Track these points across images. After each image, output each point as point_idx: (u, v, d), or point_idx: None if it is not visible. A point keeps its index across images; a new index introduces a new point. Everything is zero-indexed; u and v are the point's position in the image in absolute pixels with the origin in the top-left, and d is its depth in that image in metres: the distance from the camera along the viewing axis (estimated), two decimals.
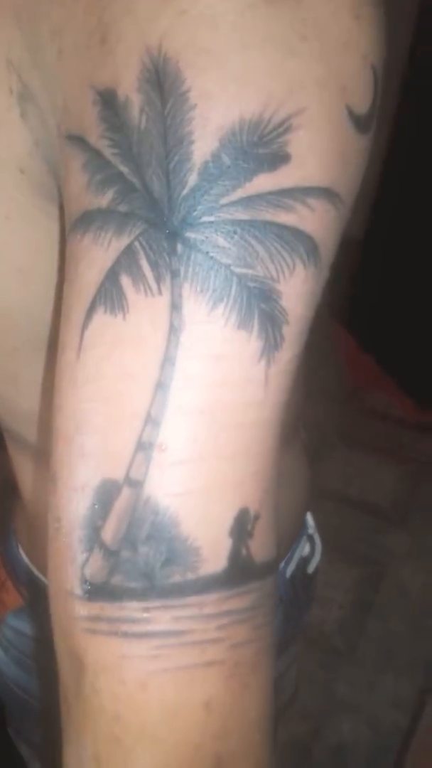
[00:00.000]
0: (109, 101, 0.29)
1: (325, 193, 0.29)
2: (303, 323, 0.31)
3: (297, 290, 0.30)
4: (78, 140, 0.30)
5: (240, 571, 0.30)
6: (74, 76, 0.30)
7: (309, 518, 0.78)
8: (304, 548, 0.76)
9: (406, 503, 2.18)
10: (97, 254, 0.30)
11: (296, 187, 0.28)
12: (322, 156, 0.29)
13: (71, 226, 0.31)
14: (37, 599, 0.68)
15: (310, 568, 0.78)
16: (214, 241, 0.28)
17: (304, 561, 0.77)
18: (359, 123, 0.30)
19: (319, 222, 0.30)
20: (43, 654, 0.69)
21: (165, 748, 0.30)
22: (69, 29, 0.30)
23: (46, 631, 0.34)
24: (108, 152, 0.29)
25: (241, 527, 0.30)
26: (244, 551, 0.30)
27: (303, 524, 0.76)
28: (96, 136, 0.30)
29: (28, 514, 0.67)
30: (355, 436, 2.37)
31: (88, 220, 0.30)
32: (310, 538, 0.77)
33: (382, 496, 2.19)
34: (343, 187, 0.30)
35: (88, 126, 0.30)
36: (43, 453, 0.55)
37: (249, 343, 0.29)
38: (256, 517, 0.31)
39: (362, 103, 0.30)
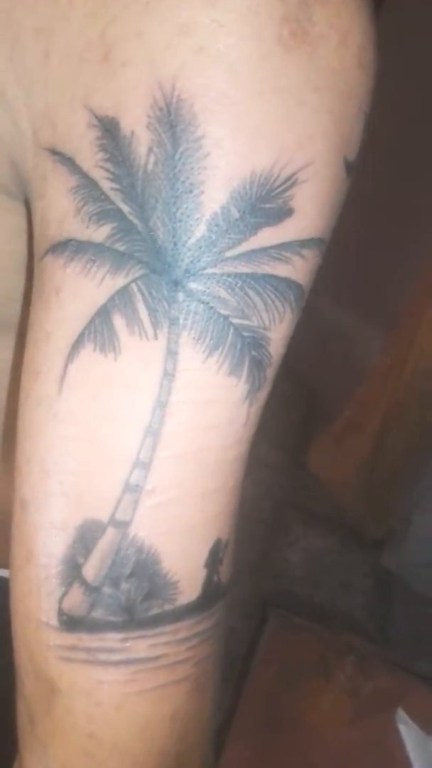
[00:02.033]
0: (110, 130, 0.27)
1: (318, 242, 0.30)
2: (281, 361, 0.32)
3: (283, 335, 0.31)
4: (66, 160, 0.28)
5: (211, 596, 0.32)
6: (64, 87, 0.28)
7: None
8: None
9: None
10: (87, 288, 0.29)
11: (295, 240, 0.29)
12: (321, 208, 0.29)
13: (50, 247, 0.29)
14: None
15: None
16: (216, 292, 0.28)
17: None
18: (350, 170, 0.30)
19: (308, 270, 0.30)
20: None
21: (134, 758, 0.32)
22: (61, 33, 0.27)
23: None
24: (106, 185, 0.28)
25: (215, 557, 0.32)
26: (215, 578, 0.32)
27: None
28: (91, 163, 0.28)
29: None
30: None
31: (76, 249, 0.28)
32: None
33: None
34: (329, 232, 0.31)
35: (82, 149, 0.28)
36: None
37: (237, 388, 0.30)
38: (226, 545, 0.32)
39: (354, 151, 0.30)
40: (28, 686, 0.32)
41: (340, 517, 2.12)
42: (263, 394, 0.31)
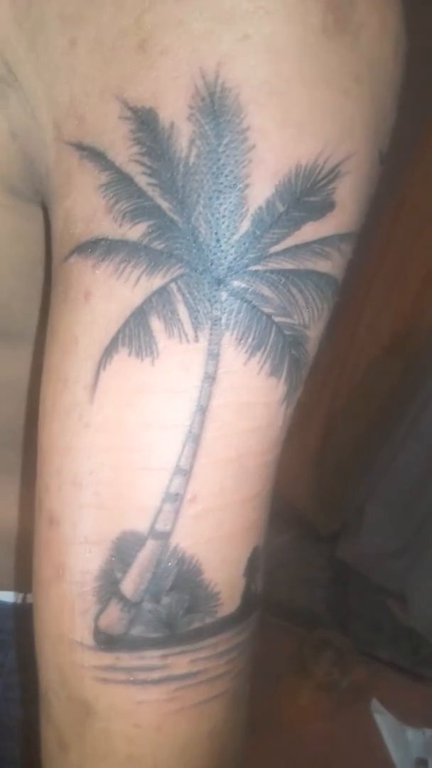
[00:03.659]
0: (146, 122, 0.25)
1: (353, 237, 0.29)
2: (313, 360, 0.31)
3: (319, 332, 0.30)
4: (96, 155, 0.27)
5: (249, 605, 0.31)
6: (94, 78, 0.26)
7: None
8: None
9: None
10: (120, 289, 0.27)
11: (335, 235, 0.28)
12: (358, 201, 0.28)
13: (76, 247, 0.28)
14: None
15: None
16: (259, 290, 0.27)
17: None
18: (382, 162, 0.30)
19: (344, 264, 0.29)
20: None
21: None
22: (90, 20, 0.26)
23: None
24: (142, 180, 0.26)
25: (253, 565, 0.31)
26: (253, 587, 0.31)
27: None
28: (125, 157, 0.26)
29: None
30: None
31: (107, 248, 0.27)
32: None
33: None
34: (361, 226, 0.30)
35: (114, 143, 0.26)
36: None
37: (277, 389, 0.29)
38: (261, 553, 0.31)
39: (387, 143, 0.30)
40: (58, 710, 0.30)
41: (294, 514, 2.13)
42: (298, 395, 0.30)
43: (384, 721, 1.07)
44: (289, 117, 0.25)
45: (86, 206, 0.27)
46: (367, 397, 2.15)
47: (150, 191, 0.26)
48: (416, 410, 1.96)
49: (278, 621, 1.09)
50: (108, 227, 0.27)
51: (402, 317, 1.99)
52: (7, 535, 0.53)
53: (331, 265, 0.28)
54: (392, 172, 0.30)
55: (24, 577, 0.57)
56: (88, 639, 0.29)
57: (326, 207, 0.27)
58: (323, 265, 0.28)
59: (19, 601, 0.59)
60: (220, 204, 0.26)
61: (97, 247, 0.27)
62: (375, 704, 1.09)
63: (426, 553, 1.89)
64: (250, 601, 0.31)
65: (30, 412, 0.45)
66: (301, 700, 0.99)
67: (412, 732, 1.08)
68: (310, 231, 0.27)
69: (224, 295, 0.27)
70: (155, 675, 0.29)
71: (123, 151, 0.26)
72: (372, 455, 2.10)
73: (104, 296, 0.27)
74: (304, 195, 0.26)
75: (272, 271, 0.27)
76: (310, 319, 0.29)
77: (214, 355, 0.27)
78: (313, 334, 0.29)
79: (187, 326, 0.27)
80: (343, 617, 1.92)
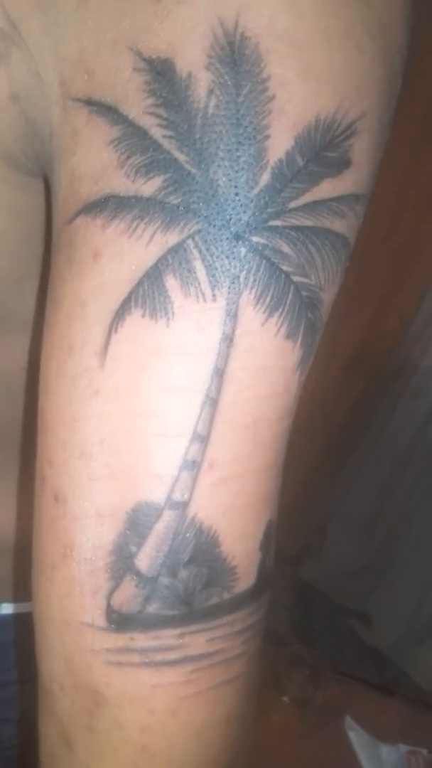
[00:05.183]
0: (162, 73, 0.25)
1: (365, 199, 0.29)
2: (324, 326, 0.30)
3: (332, 297, 0.29)
4: (107, 110, 0.26)
5: (263, 582, 0.30)
6: (105, 31, 0.25)
7: None
8: None
9: None
10: (132, 248, 0.26)
11: (351, 194, 0.28)
12: (371, 162, 0.28)
13: (83, 207, 0.27)
14: None
15: None
16: (279, 247, 0.26)
17: None
18: (391, 123, 0.30)
19: (356, 227, 0.29)
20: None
21: None
22: None
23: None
24: (158, 133, 0.25)
25: (268, 539, 0.29)
26: (267, 562, 0.30)
27: None
28: (138, 110, 0.25)
29: None
30: None
31: (117, 206, 0.26)
32: None
33: None
34: (370, 190, 0.30)
35: (126, 96, 0.25)
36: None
37: (292, 354, 0.28)
38: (275, 526, 0.30)
39: (393, 108, 0.30)
40: (63, 703, 0.29)
41: None
42: (310, 363, 0.30)
43: (358, 738, 1.05)
44: (309, 68, 0.25)
45: (95, 163, 0.26)
46: (326, 417, 2.16)
47: (166, 144, 0.25)
48: (376, 430, 1.98)
49: None
50: (119, 184, 0.26)
51: (360, 337, 2.02)
52: (1, 540, 0.50)
53: (346, 225, 0.28)
54: None
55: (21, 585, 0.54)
56: (100, 620, 0.27)
57: (343, 164, 0.27)
58: (339, 225, 0.28)
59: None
60: (240, 156, 0.25)
61: (106, 206, 0.26)
62: (348, 721, 1.07)
63: (388, 573, 1.89)
64: (264, 578, 0.30)
65: (28, 409, 0.43)
66: (274, 717, 0.97)
67: (386, 749, 1.06)
68: (327, 188, 0.27)
69: (243, 251, 0.26)
70: (171, 656, 0.27)
71: (137, 104, 0.25)
72: (333, 475, 2.11)
73: (115, 256, 0.26)
74: (323, 150, 0.26)
75: (291, 228, 0.26)
76: (326, 281, 0.28)
77: (231, 315, 0.26)
78: (327, 297, 0.29)
79: (205, 285, 0.26)
80: (308, 637, 1.90)
